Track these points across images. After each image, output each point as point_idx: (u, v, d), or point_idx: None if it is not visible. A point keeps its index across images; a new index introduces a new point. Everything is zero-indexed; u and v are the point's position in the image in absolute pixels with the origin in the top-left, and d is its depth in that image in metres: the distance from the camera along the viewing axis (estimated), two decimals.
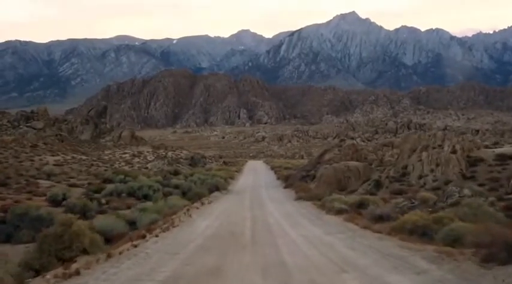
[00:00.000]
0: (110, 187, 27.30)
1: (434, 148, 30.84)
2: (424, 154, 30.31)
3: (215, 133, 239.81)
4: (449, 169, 28.17)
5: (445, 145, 30.56)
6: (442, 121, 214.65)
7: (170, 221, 17.89)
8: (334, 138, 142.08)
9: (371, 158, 43.38)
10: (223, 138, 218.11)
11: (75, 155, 56.26)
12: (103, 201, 22.75)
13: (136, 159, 65.31)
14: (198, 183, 35.69)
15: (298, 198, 30.31)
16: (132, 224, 16.15)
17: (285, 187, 42.79)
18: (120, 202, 22.92)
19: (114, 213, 17.66)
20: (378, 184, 30.07)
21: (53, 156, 52.23)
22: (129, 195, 25.51)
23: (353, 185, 33.23)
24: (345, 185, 33.62)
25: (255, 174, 64.81)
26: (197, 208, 24.50)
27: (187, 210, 22.29)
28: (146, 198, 24.70)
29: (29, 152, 50.49)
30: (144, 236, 14.50)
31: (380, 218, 16.62)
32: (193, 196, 28.36)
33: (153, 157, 68.00)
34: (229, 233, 16.26)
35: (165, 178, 36.44)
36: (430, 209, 16.30)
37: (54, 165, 44.40)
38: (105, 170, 42.54)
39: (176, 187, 30.68)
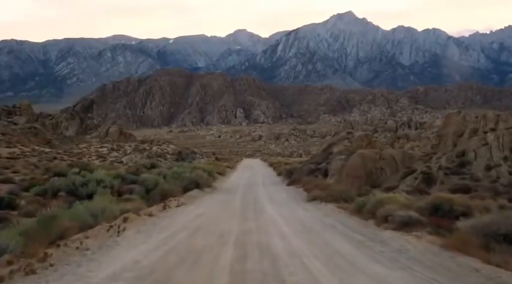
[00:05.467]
0: (54, 182, 20.77)
1: (485, 132, 24.10)
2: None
3: (211, 132, 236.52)
4: None
5: None
6: (441, 120, 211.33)
7: (41, 256, 8.67)
8: (333, 136, 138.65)
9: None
10: (219, 137, 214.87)
11: (37, 147, 52.05)
12: (23, 202, 16.80)
13: (114, 153, 61.06)
14: (168, 177, 26.85)
15: (312, 199, 21.60)
16: None
17: (289, 184, 34.12)
18: (44, 203, 16.12)
19: None
20: (429, 178, 22.55)
21: (8, 147, 48.16)
22: (70, 193, 19.01)
23: (389, 179, 25.27)
24: (377, 179, 25.63)
25: (251, 170, 57.47)
26: (151, 215, 15.41)
27: (124, 219, 13.26)
28: (92, 197, 17.43)
29: None
30: None
31: (505, 240, 8.79)
32: (155, 195, 20.33)
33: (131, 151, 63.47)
34: None
35: (136, 172, 29.14)
36: None
37: (7, 157, 40.54)
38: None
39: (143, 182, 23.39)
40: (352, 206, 16.36)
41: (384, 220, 12.62)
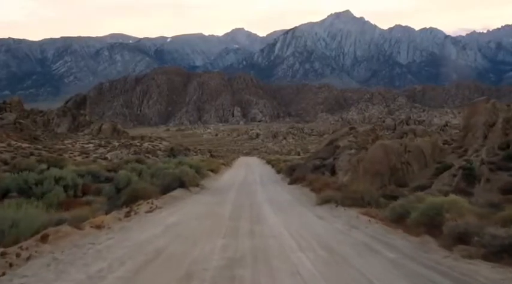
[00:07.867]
0: (1, 180, 17.41)
1: None
2: None
3: (208, 130, 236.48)
4: None
5: None
6: (439, 119, 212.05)
7: None
8: (332, 133, 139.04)
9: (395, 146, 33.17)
10: (217, 135, 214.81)
11: (14, 142, 49.69)
12: None
13: (101, 150, 58.83)
14: (145, 174, 22.83)
15: (323, 201, 17.30)
16: None
17: (291, 183, 29.40)
18: None
19: None
20: (470, 175, 18.22)
21: None
22: (23, 193, 16.07)
23: (417, 176, 21.24)
24: (403, 176, 21.36)
25: (247, 167, 54.03)
26: (99, 226, 10.59)
27: (43, 237, 8.47)
28: (43, 197, 15.16)
29: None
30: None
31: None
32: (121, 197, 16.49)
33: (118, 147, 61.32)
34: None
35: (116, 168, 26.02)
36: None
37: None
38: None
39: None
40: (386, 213, 11.96)
41: (456, 240, 8.06)
